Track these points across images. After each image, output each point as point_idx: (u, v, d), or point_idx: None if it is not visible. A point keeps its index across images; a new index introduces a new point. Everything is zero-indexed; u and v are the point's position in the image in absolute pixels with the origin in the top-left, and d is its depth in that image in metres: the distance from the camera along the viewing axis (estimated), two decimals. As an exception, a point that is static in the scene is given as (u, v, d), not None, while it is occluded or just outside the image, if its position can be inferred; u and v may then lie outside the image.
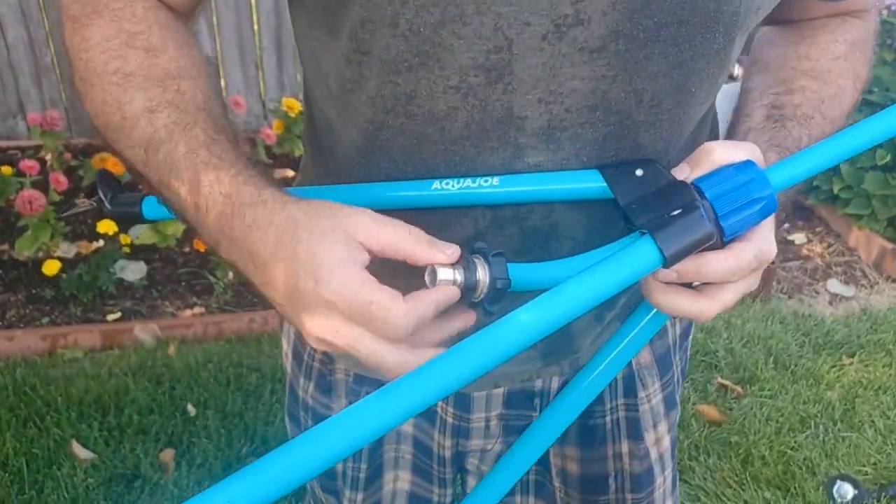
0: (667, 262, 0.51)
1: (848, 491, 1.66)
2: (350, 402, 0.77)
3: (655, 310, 0.59)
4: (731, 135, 0.66)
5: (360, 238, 0.47)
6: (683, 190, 0.54)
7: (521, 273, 0.55)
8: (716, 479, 1.73)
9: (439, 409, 0.77)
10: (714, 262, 0.52)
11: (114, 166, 2.22)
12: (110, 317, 2.20)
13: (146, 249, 2.43)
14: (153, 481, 1.68)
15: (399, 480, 0.81)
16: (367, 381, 0.76)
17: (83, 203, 2.60)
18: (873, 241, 2.69)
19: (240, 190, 0.49)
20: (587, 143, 0.58)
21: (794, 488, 1.69)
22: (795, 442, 1.82)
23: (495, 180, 0.60)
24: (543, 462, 0.81)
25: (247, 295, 2.32)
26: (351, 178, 0.64)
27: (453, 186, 0.61)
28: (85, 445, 1.75)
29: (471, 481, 0.84)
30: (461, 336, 0.49)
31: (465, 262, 0.50)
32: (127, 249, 2.42)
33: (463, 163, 0.59)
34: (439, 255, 0.49)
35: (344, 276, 0.45)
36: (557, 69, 0.53)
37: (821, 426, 1.86)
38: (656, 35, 0.52)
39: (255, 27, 3.07)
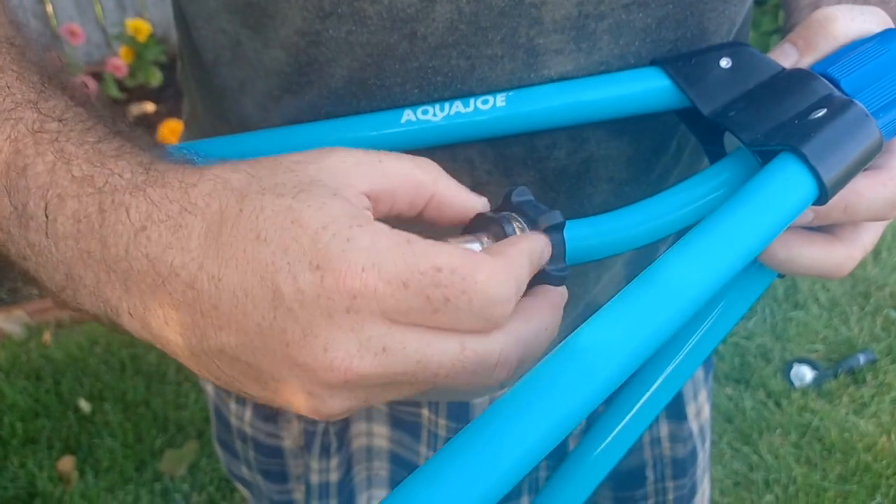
0: (827, 193, 0.31)
1: (806, 373, 1.62)
2: (306, 427, 0.57)
3: (758, 267, 0.40)
4: (790, 13, 0.47)
5: (359, 185, 0.26)
6: (808, 81, 0.35)
7: (580, 235, 0.35)
8: (673, 381, 1.66)
9: (425, 421, 0.57)
10: (869, 192, 0.34)
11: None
12: (-37, 310, 1.86)
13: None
14: (55, 497, 1.43)
15: (373, 500, 0.63)
16: None
17: None
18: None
19: (110, 166, 0.26)
20: (635, 36, 0.39)
21: (754, 379, 1.64)
22: (746, 329, 1.76)
23: (500, 99, 0.39)
24: (559, 456, 0.64)
25: (127, 259, 2.01)
26: (270, 125, 0.41)
27: (436, 115, 0.40)
28: (-40, 471, 1.47)
29: None
30: None
31: (496, 229, 0.30)
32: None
33: (448, 85, 0.39)
34: (471, 199, 0.30)
35: (373, 238, 0.24)
36: None
37: (767, 309, 1.80)
38: None
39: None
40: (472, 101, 0.39)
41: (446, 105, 0.39)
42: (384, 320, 0.24)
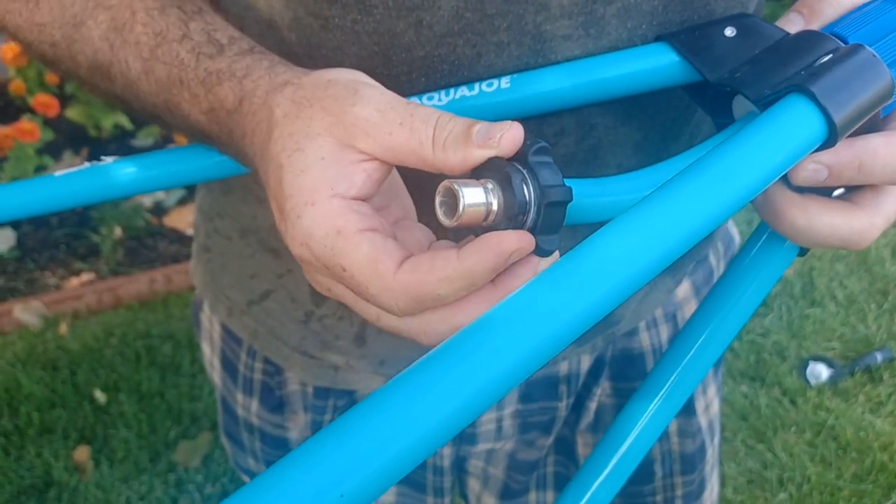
0: (836, 134, 0.31)
1: (822, 371, 1.61)
2: (313, 419, 0.57)
3: (781, 242, 0.39)
4: None
5: (360, 146, 0.30)
6: (815, 39, 0.35)
7: (583, 192, 0.35)
8: (687, 378, 1.64)
9: None
10: (885, 150, 0.33)
11: None
12: (-19, 300, 1.87)
13: (12, 215, 2.07)
14: (70, 487, 1.45)
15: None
16: (333, 393, 0.55)
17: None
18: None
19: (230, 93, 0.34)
20: (642, 20, 0.38)
21: (769, 376, 1.63)
22: (762, 327, 1.74)
23: (505, 82, 0.39)
24: (566, 451, 0.63)
25: (142, 251, 2.02)
26: None
27: (441, 100, 0.40)
28: (-22, 460, 1.49)
29: (472, 482, 0.67)
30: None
31: (497, 174, 0.29)
32: (-13, 218, 2.05)
33: (454, 73, 0.39)
34: (479, 150, 0.29)
35: (312, 223, 0.29)
36: None
37: (783, 306, 1.79)
38: None
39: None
40: (476, 85, 0.39)
41: (451, 90, 0.39)
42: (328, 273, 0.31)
